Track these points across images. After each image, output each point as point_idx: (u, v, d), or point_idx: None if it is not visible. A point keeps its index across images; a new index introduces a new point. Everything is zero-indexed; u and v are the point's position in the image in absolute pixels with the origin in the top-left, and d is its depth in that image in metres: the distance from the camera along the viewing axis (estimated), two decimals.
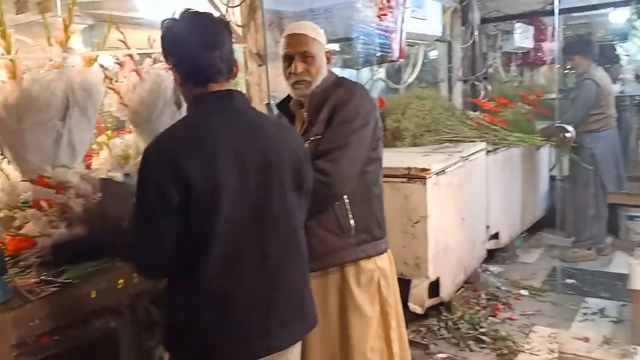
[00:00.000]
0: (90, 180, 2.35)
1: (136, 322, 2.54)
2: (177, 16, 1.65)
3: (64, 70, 2.47)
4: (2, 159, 2.65)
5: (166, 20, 1.66)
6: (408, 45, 4.48)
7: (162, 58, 2.78)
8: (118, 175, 2.47)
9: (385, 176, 2.43)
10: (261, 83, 3.25)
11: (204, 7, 3.15)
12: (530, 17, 6.19)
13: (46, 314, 1.95)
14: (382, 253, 2.29)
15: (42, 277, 2.06)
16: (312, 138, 2.14)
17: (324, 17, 3.60)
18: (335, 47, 4.00)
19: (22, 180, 2.54)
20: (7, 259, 2.08)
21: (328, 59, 2.25)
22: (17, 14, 4.94)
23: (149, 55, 2.87)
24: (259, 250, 1.62)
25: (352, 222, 2.17)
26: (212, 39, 1.62)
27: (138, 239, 1.61)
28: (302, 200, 1.78)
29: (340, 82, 2.26)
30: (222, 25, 1.67)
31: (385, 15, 3.82)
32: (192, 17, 1.64)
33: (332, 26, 3.54)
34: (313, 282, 1.93)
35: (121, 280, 2.17)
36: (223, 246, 1.56)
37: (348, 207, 2.17)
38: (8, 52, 2.37)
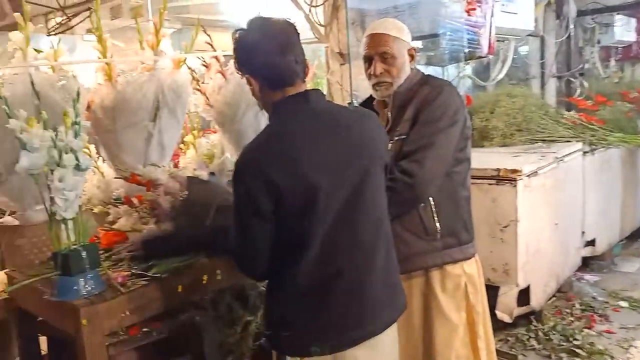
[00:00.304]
0: (177, 178, 2.43)
1: (219, 317, 2.60)
2: (246, 26, 1.70)
3: (155, 73, 2.57)
4: (98, 157, 2.80)
5: (237, 31, 1.70)
6: (497, 40, 4.32)
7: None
8: (203, 174, 2.54)
9: (473, 177, 2.33)
10: (343, 82, 3.23)
11: (286, 7, 3.19)
12: (632, 9, 5.77)
13: (136, 307, 2.03)
14: (469, 258, 2.20)
15: (132, 271, 2.14)
16: (397, 138, 2.09)
17: (409, 13, 3.53)
18: (419, 44, 3.91)
19: (115, 178, 2.67)
20: (100, 252, 2.17)
21: (412, 56, 2.18)
22: (112, 20, 5.26)
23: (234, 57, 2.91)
24: (353, 239, 1.66)
25: (437, 224, 2.11)
26: (285, 44, 1.65)
27: (237, 245, 1.69)
28: (384, 182, 1.80)
29: (426, 80, 2.19)
30: (291, 29, 1.69)
31: (474, 9, 3.68)
32: (262, 25, 1.68)
33: (417, 22, 3.47)
34: None
35: (205, 276, 2.23)
36: (320, 241, 1.61)
37: (434, 209, 2.10)
38: (104, 56, 2.49)
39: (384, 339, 1.78)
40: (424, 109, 2.06)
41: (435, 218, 2.10)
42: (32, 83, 1.99)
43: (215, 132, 3.23)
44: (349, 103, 2.78)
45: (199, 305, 2.34)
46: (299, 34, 1.72)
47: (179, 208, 2.31)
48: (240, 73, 1.75)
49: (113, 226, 2.40)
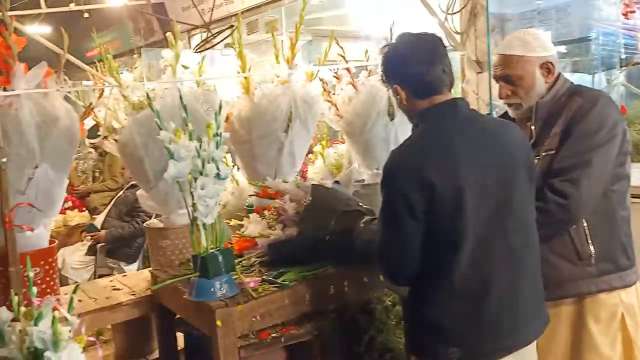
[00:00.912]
0: (303, 187, 2.51)
1: (344, 328, 2.61)
2: (393, 41, 1.81)
3: (289, 86, 2.66)
4: (233, 166, 2.95)
5: (385, 46, 1.81)
6: None
7: (377, 70, 2.88)
8: (328, 182, 2.59)
9: (633, 196, 2.10)
10: (479, 92, 3.10)
11: (421, 15, 3.14)
12: None
13: (266, 312, 2.10)
14: (629, 286, 1.98)
15: (263, 277, 2.22)
16: (544, 153, 1.96)
17: (556, 17, 3.30)
18: (562, 49, 3.64)
19: (249, 183, 2.80)
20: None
21: (548, 70, 2.03)
22: (248, 35, 5.53)
23: (364, 67, 2.94)
24: (504, 244, 1.65)
25: (592, 248, 1.92)
26: (434, 54, 1.72)
27: (385, 248, 1.72)
28: (532, 191, 1.77)
29: (577, 90, 2.03)
30: (438, 41, 1.76)
31: (632, 12, 3.34)
32: (410, 38, 1.76)
33: (566, 27, 3.23)
34: None
35: (332, 287, 2.26)
36: (472, 245, 1.61)
37: (587, 231, 1.93)
38: (243, 70, 2.62)
39: (530, 352, 1.74)
40: (578, 123, 1.91)
41: (589, 241, 1.92)
42: (181, 97, 2.14)
43: (343, 142, 3.27)
44: (488, 114, 2.66)
45: (325, 314, 2.37)
46: (445, 46, 1.78)
47: (303, 214, 2.38)
48: (387, 85, 1.82)
49: (243, 232, 2.51)
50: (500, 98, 2.07)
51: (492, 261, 1.65)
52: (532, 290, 1.73)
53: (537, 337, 1.75)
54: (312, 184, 2.49)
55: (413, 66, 1.71)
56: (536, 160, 1.91)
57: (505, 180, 1.66)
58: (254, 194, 2.76)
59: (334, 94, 2.98)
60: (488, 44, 2.94)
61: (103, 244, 4.45)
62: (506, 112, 2.18)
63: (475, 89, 3.13)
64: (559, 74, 2.06)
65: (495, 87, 2.12)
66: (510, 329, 1.66)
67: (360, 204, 2.43)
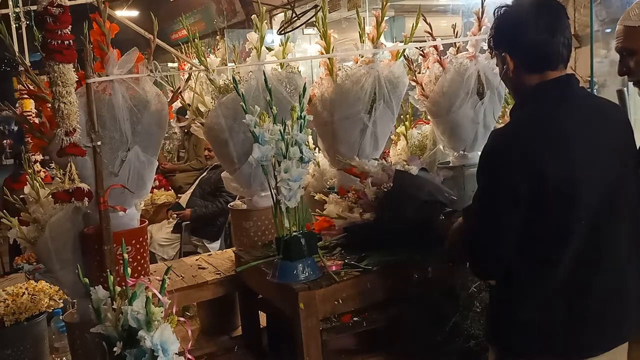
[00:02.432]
0: (387, 171, 2.43)
1: (427, 314, 2.56)
2: (511, 2, 1.60)
3: (373, 65, 2.59)
4: (315, 148, 2.94)
5: (501, 7, 1.60)
6: None
7: (467, 47, 2.74)
8: (414, 169, 2.49)
9: None
10: (577, 68, 2.88)
11: None
12: None
13: (348, 295, 2.09)
14: None
15: (346, 261, 2.21)
16: None
17: None
18: None
19: (331, 168, 2.77)
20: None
21: None
22: (330, 12, 5.47)
23: (452, 44, 2.80)
24: (615, 234, 1.53)
25: None
26: (556, 24, 1.54)
27: (478, 236, 1.60)
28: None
29: None
30: (562, 10, 1.57)
31: None
32: (531, 2, 1.57)
33: None
34: None
35: (415, 273, 2.20)
36: (582, 242, 1.48)
37: None
38: (327, 51, 2.58)
39: (621, 350, 1.61)
40: None
41: None
42: (266, 80, 2.14)
43: (427, 122, 3.17)
44: (619, 90, 2.43)
45: (408, 300, 2.33)
46: (568, 17, 1.59)
47: (382, 199, 2.31)
48: (493, 51, 1.65)
49: (323, 212, 2.50)
50: (619, 75, 1.87)
51: (599, 252, 1.52)
52: (636, 295, 1.58)
53: (631, 337, 1.61)
54: (397, 170, 2.42)
55: (531, 34, 1.52)
56: None
57: (617, 165, 1.53)
58: (338, 168, 2.71)
59: (419, 72, 2.88)
60: (591, 15, 2.69)
61: (188, 222, 4.61)
62: (621, 92, 1.99)
63: (572, 65, 2.90)
64: None
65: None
66: (610, 326, 1.54)
67: (446, 194, 2.34)
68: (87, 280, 1.49)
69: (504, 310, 1.64)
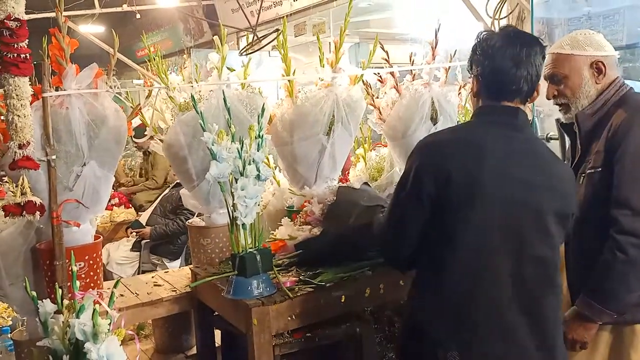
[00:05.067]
0: (331, 190, 2.57)
1: (379, 330, 2.60)
2: (496, 30, 1.68)
3: (333, 89, 2.66)
4: (275, 167, 2.98)
5: (484, 32, 1.67)
6: None
7: (422, 74, 2.86)
8: (356, 184, 2.61)
9: None
10: None
11: (468, 19, 3.09)
12: None
13: (301, 311, 2.12)
14: None
15: (300, 277, 2.24)
16: (589, 171, 1.85)
17: (603, 23, 3.19)
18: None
19: (289, 190, 2.83)
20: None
21: (599, 70, 1.89)
22: (296, 37, 5.57)
23: (409, 71, 2.91)
24: (511, 269, 1.52)
25: None
26: (524, 58, 1.56)
27: (386, 225, 1.68)
28: (563, 236, 1.63)
29: (623, 99, 1.88)
30: (537, 46, 1.60)
31: None
32: (511, 33, 1.63)
33: (614, 33, 3.12)
34: None
35: (368, 289, 2.26)
36: (472, 250, 1.51)
37: None
38: (287, 73, 2.64)
39: None
40: (622, 140, 1.77)
41: None
42: (225, 99, 2.18)
43: (385, 145, 3.25)
44: (530, 121, 2.58)
45: (360, 317, 2.37)
46: (545, 57, 1.63)
47: (327, 211, 2.43)
48: (470, 73, 1.69)
49: (275, 236, 2.57)
50: (548, 98, 1.97)
51: (490, 279, 1.52)
52: (540, 333, 1.53)
53: None
54: (339, 185, 2.54)
55: (496, 62, 1.56)
56: (582, 178, 1.84)
57: (527, 203, 1.52)
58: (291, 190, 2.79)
59: (377, 97, 2.97)
60: None
61: (147, 240, 4.57)
62: (559, 121, 2.10)
63: None
64: (616, 79, 1.92)
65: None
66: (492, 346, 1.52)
67: (387, 201, 2.43)
68: (34, 293, 1.48)
69: (409, 312, 1.69)
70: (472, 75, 1.66)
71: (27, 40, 1.91)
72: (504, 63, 1.55)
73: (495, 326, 1.52)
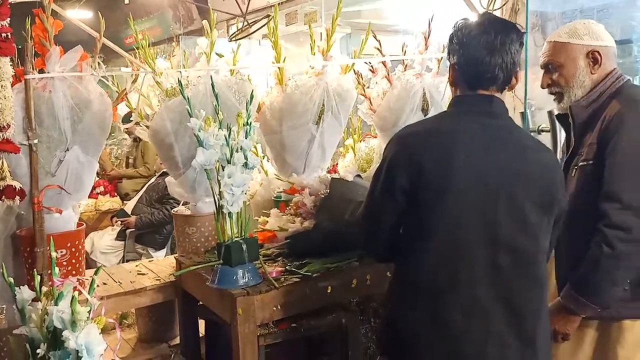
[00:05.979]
0: (324, 181, 2.52)
1: (365, 321, 2.60)
2: (473, 18, 1.63)
3: (323, 77, 2.63)
4: (263, 156, 2.94)
5: (460, 20, 1.64)
6: None
7: (414, 65, 2.83)
8: (349, 176, 2.57)
9: None
10: (515, 89, 3.01)
11: (461, 11, 3.07)
12: None
13: (287, 302, 2.10)
14: None
15: (286, 268, 2.21)
16: (581, 164, 1.83)
17: (597, 17, 3.18)
18: None
19: (276, 178, 2.80)
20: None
21: (594, 59, 1.87)
22: (287, 26, 5.51)
23: (401, 62, 2.88)
24: (487, 260, 1.49)
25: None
26: (499, 45, 1.54)
27: (362, 221, 1.69)
28: (549, 225, 1.58)
29: (618, 90, 1.86)
30: (514, 33, 1.57)
31: None
32: (487, 20, 1.61)
33: (607, 28, 3.12)
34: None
35: (355, 280, 2.24)
36: (447, 240, 1.49)
37: None
38: (278, 61, 2.60)
39: None
40: (615, 132, 1.74)
41: None
42: (213, 85, 2.14)
43: (375, 136, 3.23)
44: (522, 113, 2.56)
45: (346, 307, 2.35)
46: (523, 44, 1.61)
47: (319, 206, 2.38)
48: (448, 60, 1.67)
49: (265, 227, 2.54)
50: (542, 87, 1.96)
51: (465, 273, 1.49)
52: (519, 324, 1.51)
53: None
54: (332, 177, 2.49)
55: (471, 50, 1.54)
56: (574, 171, 1.82)
57: (503, 192, 1.49)
58: (282, 191, 2.76)
59: (368, 87, 2.94)
60: (526, 41, 2.84)
61: (133, 229, 4.51)
62: (552, 112, 2.08)
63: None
64: (613, 70, 1.89)
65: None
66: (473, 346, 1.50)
67: None
68: (12, 279, 1.44)
69: (387, 306, 1.68)
70: (449, 64, 1.63)
71: (10, 20, 1.85)
72: (478, 51, 1.54)
73: (473, 317, 1.49)
